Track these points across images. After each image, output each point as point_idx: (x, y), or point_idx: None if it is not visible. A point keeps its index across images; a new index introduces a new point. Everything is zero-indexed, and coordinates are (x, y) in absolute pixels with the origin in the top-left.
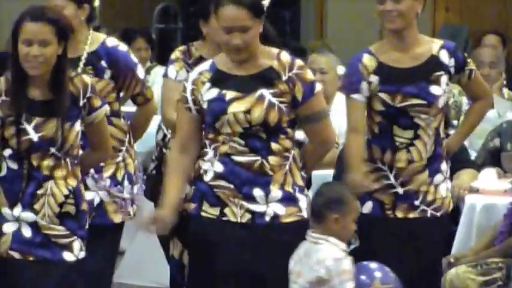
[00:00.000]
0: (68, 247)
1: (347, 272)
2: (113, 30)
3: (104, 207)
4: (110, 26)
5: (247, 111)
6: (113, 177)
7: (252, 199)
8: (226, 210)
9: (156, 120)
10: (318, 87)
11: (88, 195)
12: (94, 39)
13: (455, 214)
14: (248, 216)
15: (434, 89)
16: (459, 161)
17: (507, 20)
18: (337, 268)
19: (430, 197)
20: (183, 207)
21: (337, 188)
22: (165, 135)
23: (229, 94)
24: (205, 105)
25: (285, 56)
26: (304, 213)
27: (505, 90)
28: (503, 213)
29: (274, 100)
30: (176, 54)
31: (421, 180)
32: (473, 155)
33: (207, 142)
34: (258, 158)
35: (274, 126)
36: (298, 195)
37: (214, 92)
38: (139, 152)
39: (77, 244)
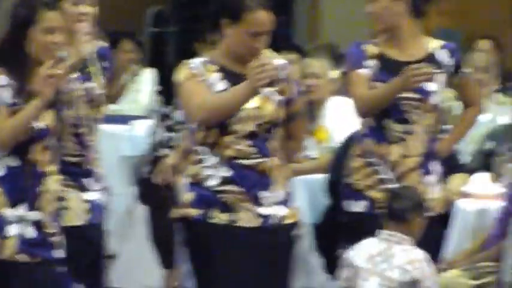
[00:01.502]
0: (58, 245)
1: (435, 273)
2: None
3: (98, 208)
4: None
5: (260, 108)
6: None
7: (260, 202)
8: (237, 216)
9: (148, 124)
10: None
11: (90, 196)
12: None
13: (446, 218)
14: (258, 219)
15: (428, 85)
16: (450, 165)
17: (501, 25)
18: (430, 269)
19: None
20: (182, 213)
21: (416, 191)
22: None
23: None
24: None
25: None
26: (298, 214)
27: (498, 95)
28: (495, 217)
29: (279, 98)
30: None
31: (414, 178)
32: (465, 159)
33: (205, 149)
34: (265, 159)
35: (279, 123)
36: (291, 195)
37: (222, 86)
38: (132, 156)
39: (63, 240)
